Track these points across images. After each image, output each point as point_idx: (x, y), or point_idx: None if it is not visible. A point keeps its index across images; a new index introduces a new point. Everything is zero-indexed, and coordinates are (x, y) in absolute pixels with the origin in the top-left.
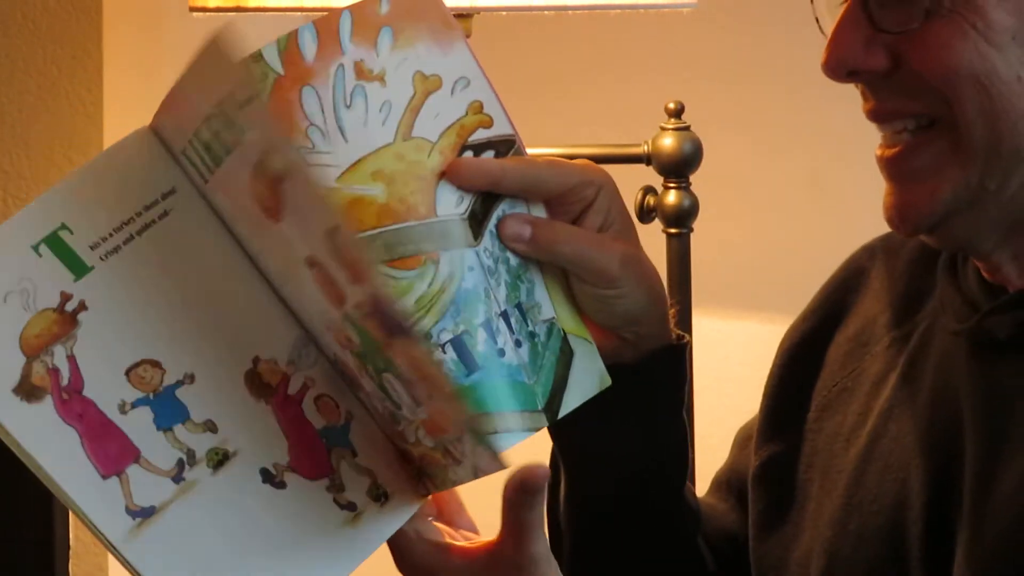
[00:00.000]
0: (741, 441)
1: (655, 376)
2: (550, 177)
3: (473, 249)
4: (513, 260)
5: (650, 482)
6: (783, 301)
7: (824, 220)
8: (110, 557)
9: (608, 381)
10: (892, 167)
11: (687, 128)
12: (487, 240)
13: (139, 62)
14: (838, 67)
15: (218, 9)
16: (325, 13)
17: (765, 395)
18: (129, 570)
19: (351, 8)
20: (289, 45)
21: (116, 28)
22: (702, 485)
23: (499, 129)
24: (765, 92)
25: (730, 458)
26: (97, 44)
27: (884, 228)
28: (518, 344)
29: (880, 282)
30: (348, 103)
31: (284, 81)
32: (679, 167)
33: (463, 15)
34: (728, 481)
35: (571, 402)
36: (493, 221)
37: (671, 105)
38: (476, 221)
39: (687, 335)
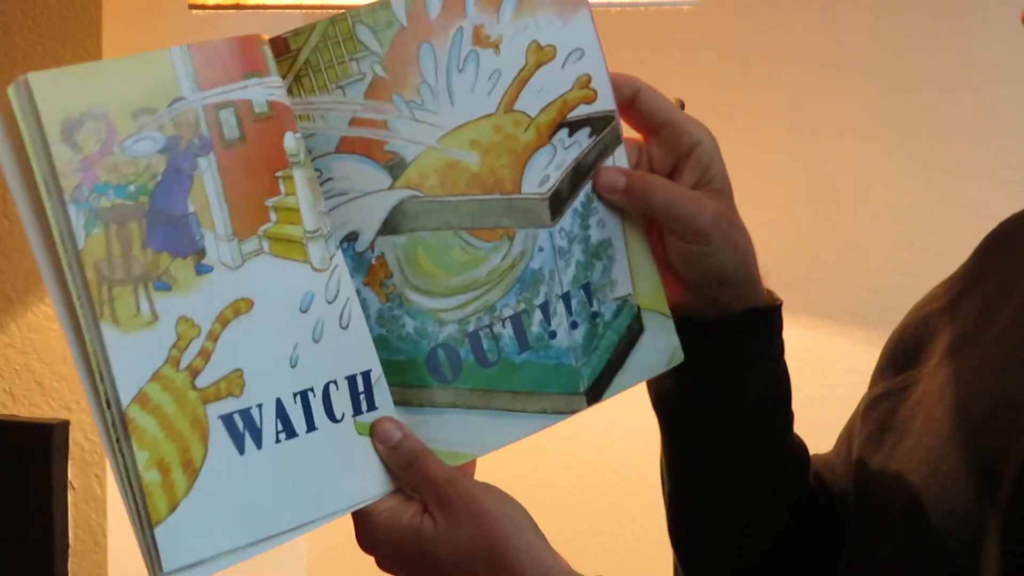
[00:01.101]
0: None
1: (737, 336)
2: (648, 105)
3: (548, 230)
4: (595, 237)
5: (743, 436)
6: (783, 299)
7: (824, 219)
8: (109, 556)
9: (680, 358)
10: None
11: None
12: (567, 219)
13: None
14: None
15: (217, 7)
16: (325, 9)
17: (890, 339)
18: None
19: None
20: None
21: (115, 25)
22: None
23: (601, 104)
24: (766, 90)
25: (853, 414)
26: (96, 41)
27: (884, 230)
28: (574, 326)
29: None
30: (461, 67)
31: (406, 33)
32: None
33: None
34: (845, 436)
35: (625, 382)
36: (580, 199)
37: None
38: (559, 201)
39: (780, 299)
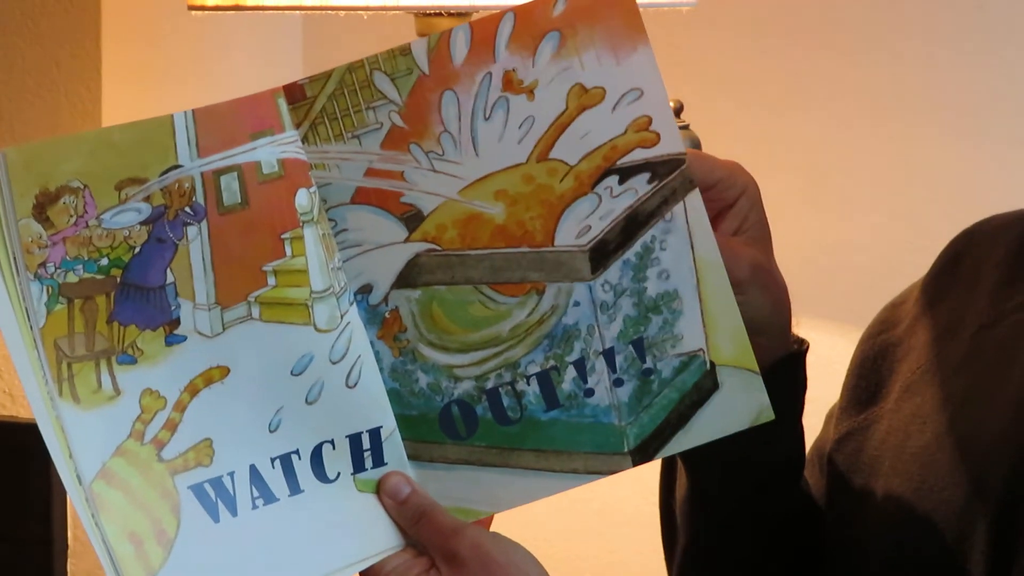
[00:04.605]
0: (829, 417)
1: (775, 387)
2: (696, 169)
3: (586, 283)
4: (653, 289)
5: (769, 483)
6: (808, 342)
7: (824, 219)
8: None
9: (769, 416)
10: None
11: (686, 127)
12: (613, 272)
13: (137, 60)
14: None
15: (216, 8)
16: (324, 11)
17: (849, 373)
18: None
19: (517, 9)
20: (439, 44)
21: (114, 26)
22: None
23: (665, 148)
24: (764, 91)
25: (819, 434)
26: (95, 42)
27: (883, 231)
28: (618, 383)
29: (975, 269)
30: (487, 115)
31: (427, 81)
32: None
33: (461, 13)
34: (812, 457)
35: (688, 441)
36: (635, 249)
37: (670, 104)
38: (602, 252)
39: (807, 341)
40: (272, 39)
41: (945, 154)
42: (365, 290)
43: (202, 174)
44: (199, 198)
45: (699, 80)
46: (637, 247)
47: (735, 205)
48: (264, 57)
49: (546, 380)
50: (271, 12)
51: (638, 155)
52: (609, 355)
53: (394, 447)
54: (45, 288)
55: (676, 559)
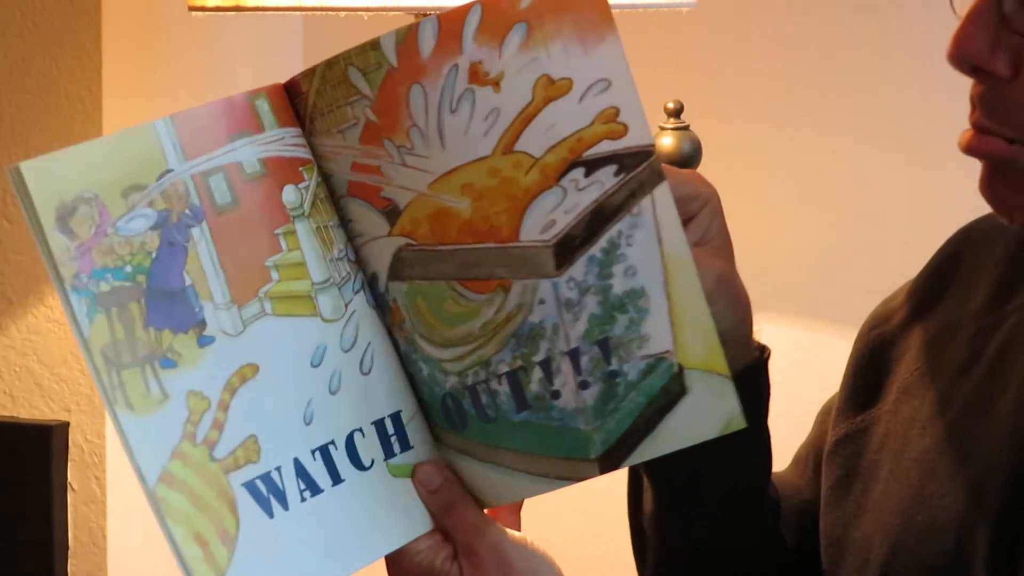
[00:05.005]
0: (822, 416)
1: (742, 396)
2: None
3: (551, 280)
4: (619, 287)
5: (735, 489)
6: (780, 301)
7: (823, 219)
8: (109, 557)
9: (739, 424)
10: (980, 159)
11: (686, 128)
12: (579, 268)
13: (138, 61)
14: (961, 62)
15: (217, 9)
16: (324, 11)
17: (847, 373)
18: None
19: (485, 0)
20: (408, 37)
21: (115, 27)
22: None
23: (633, 140)
24: (764, 91)
25: (811, 433)
26: (96, 43)
27: (881, 232)
28: (583, 386)
29: (973, 268)
30: (453, 108)
31: (396, 75)
32: (678, 166)
33: None
34: (807, 456)
35: (654, 449)
36: (601, 244)
37: (670, 105)
38: (568, 248)
39: (768, 348)
40: (272, 40)
41: (946, 153)
42: (374, 280)
43: (192, 176)
44: (194, 200)
45: (699, 80)
46: (603, 242)
47: (697, 216)
48: (264, 58)
49: (515, 380)
50: (271, 13)
51: (605, 147)
52: (574, 355)
53: (417, 430)
54: (83, 299)
55: (648, 572)
